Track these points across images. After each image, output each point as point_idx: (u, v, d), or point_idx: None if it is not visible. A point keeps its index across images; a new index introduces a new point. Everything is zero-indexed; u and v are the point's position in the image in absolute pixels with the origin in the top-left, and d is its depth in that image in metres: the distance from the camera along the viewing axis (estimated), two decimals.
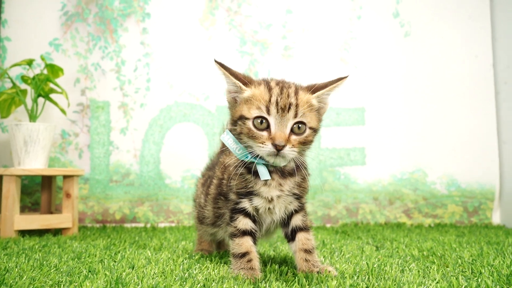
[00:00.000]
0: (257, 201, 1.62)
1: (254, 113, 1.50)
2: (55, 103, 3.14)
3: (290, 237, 1.72)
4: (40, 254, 2.01)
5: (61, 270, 1.62)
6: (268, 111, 1.50)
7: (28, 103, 3.19)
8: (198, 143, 3.57)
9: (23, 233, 2.90)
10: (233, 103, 1.62)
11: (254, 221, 1.64)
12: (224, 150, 1.98)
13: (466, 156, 3.62)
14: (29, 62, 3.07)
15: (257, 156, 1.54)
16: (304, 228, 1.69)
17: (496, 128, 3.63)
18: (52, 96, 3.25)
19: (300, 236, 1.69)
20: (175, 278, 1.46)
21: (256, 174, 1.59)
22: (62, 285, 1.35)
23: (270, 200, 1.62)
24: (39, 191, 3.42)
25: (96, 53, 3.58)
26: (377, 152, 3.63)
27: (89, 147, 3.54)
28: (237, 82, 1.62)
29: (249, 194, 1.62)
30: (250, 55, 3.66)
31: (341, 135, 3.64)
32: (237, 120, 1.55)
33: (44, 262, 1.79)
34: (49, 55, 3.51)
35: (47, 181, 3.24)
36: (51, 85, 3.21)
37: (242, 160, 1.59)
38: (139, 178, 3.55)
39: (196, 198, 2.07)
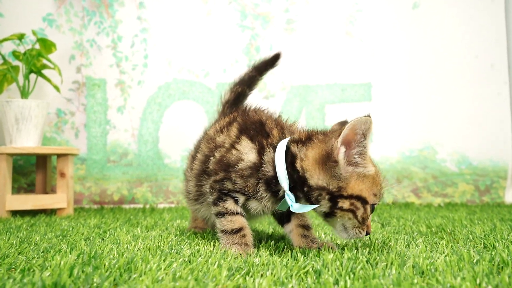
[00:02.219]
0: (255, 204, 1.50)
1: (373, 199, 1.37)
2: (48, 80, 3.02)
3: (285, 220, 1.60)
4: (24, 233, 1.90)
5: (40, 247, 1.50)
6: (379, 199, 1.40)
7: (20, 80, 3.08)
8: (197, 122, 3.43)
9: (17, 213, 2.80)
10: (337, 165, 1.36)
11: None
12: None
13: (478, 132, 3.45)
14: (20, 37, 2.95)
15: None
16: None
17: (510, 103, 3.46)
18: (46, 73, 3.13)
19: (295, 215, 1.58)
20: (157, 253, 1.34)
21: (275, 195, 1.44)
22: (34, 261, 1.23)
23: (266, 206, 1.49)
24: (34, 172, 3.32)
25: (91, 29, 3.45)
26: (384, 129, 3.47)
27: (86, 126, 3.42)
28: (369, 154, 1.40)
29: (250, 196, 1.47)
30: (251, 30, 3.51)
31: (346, 111, 3.48)
32: (345, 196, 1.35)
33: (25, 240, 1.68)
34: (43, 31, 3.39)
35: (41, 161, 3.14)
36: (44, 61, 3.09)
37: (263, 171, 1.43)
38: (137, 158, 3.43)
39: (185, 171, 1.93)
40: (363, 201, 1.35)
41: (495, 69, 3.47)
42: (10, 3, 3.38)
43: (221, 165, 1.49)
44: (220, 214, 1.50)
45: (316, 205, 1.37)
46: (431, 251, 1.37)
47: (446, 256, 1.26)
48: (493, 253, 1.26)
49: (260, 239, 1.71)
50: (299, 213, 1.58)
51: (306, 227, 1.58)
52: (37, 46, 3.02)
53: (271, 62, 2.03)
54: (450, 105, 3.47)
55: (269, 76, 3.46)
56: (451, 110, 3.47)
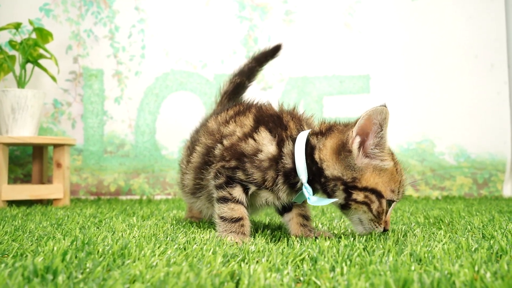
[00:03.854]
0: (266, 194, 1.48)
1: (390, 195, 1.36)
2: (45, 69, 2.99)
3: (286, 209, 1.59)
4: (20, 221, 1.89)
5: (34, 234, 1.49)
6: (398, 196, 1.38)
7: (17, 70, 3.05)
8: (195, 113, 3.40)
9: (12, 203, 2.78)
10: (351, 155, 1.34)
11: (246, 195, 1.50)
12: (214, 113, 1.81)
13: (477, 125, 3.44)
14: (17, 26, 2.92)
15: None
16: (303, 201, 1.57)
17: (509, 96, 3.44)
18: (43, 63, 3.11)
19: (296, 204, 1.57)
20: (152, 240, 1.32)
21: (292, 187, 1.44)
22: (27, 247, 1.22)
23: (279, 198, 1.48)
24: (31, 162, 3.30)
25: (88, 19, 3.42)
26: None
27: (83, 117, 3.40)
28: (388, 147, 1.38)
29: (264, 187, 1.45)
30: (249, 20, 3.49)
31: (345, 103, 3.47)
32: (359, 188, 1.33)
33: (20, 228, 1.67)
34: (40, 21, 3.36)
35: (38, 151, 3.12)
36: (41, 51, 3.06)
37: (283, 163, 1.41)
38: (134, 149, 3.41)
39: (180, 163, 1.90)
40: (379, 195, 1.33)
41: (495, 63, 3.45)
42: None
43: (233, 153, 1.46)
44: (223, 200, 1.47)
45: (334, 199, 1.35)
46: (429, 240, 1.35)
47: (444, 244, 1.25)
48: (491, 241, 1.25)
49: (257, 228, 1.70)
50: (301, 204, 1.57)
51: (306, 217, 1.58)
52: (34, 36, 3.00)
53: (272, 53, 2.01)
54: (449, 97, 3.46)
55: (267, 68, 3.42)
56: (449, 103, 3.46)
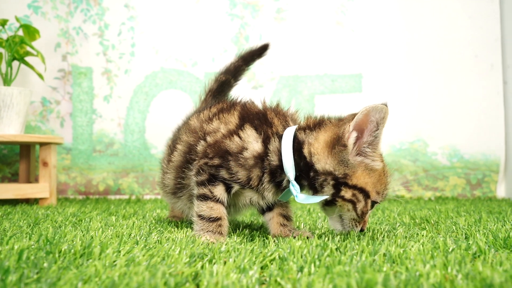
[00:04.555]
0: (250, 194, 1.45)
1: (375, 197, 1.34)
2: (31, 67, 2.96)
3: (267, 209, 1.55)
4: None
5: (7, 234, 1.45)
6: (381, 197, 1.37)
7: (3, 68, 3.01)
8: (185, 111, 3.36)
9: None
10: (345, 149, 1.32)
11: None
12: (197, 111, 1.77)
13: (470, 125, 3.39)
14: (3, 23, 2.88)
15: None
16: (286, 201, 1.56)
17: (503, 96, 3.40)
18: (30, 61, 3.07)
19: (279, 204, 1.54)
20: (122, 239, 1.28)
21: (278, 186, 1.41)
22: None
23: (264, 198, 1.45)
24: (19, 161, 3.26)
25: (77, 16, 3.39)
26: None
27: (71, 115, 3.36)
28: (380, 147, 1.37)
29: (249, 186, 1.42)
30: (240, 18, 3.45)
31: (336, 103, 3.43)
32: (349, 185, 1.31)
33: None
34: (28, 18, 3.32)
35: (25, 150, 3.08)
36: (28, 49, 3.02)
37: (268, 160, 1.38)
38: (123, 148, 3.37)
39: (162, 162, 1.85)
40: (366, 194, 1.32)
41: (489, 63, 3.41)
42: None
43: (217, 150, 1.42)
44: (203, 197, 1.43)
45: (323, 197, 1.32)
46: (409, 240, 1.31)
47: (421, 244, 1.21)
48: (470, 241, 1.21)
49: (236, 228, 1.66)
50: (283, 203, 1.54)
51: (287, 217, 1.55)
52: (21, 33, 2.96)
53: (259, 52, 1.98)
54: (442, 97, 3.42)
55: (258, 66, 3.40)
56: (443, 102, 3.41)
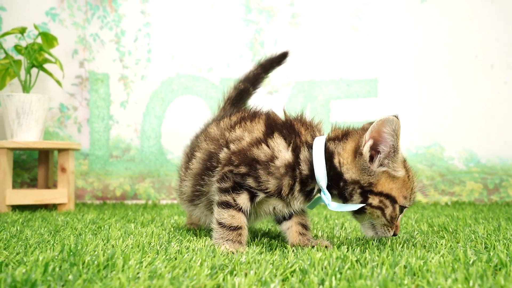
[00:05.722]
0: (276, 202, 1.46)
1: (403, 202, 1.39)
2: (50, 74, 3.00)
3: (286, 217, 1.56)
4: (18, 228, 1.88)
5: (29, 242, 1.47)
6: (409, 202, 1.41)
7: (22, 75, 3.06)
8: (201, 117, 3.37)
9: (17, 208, 2.79)
10: (365, 161, 1.36)
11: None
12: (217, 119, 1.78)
13: (487, 129, 3.36)
14: (22, 31, 2.93)
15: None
16: (303, 210, 1.56)
17: None
18: (48, 67, 3.11)
19: (297, 212, 1.55)
20: (143, 250, 1.30)
21: (307, 195, 1.43)
22: (13, 256, 1.20)
23: (290, 206, 1.47)
24: (37, 167, 3.30)
25: (94, 23, 3.43)
26: None
27: (89, 121, 3.40)
28: (401, 156, 1.41)
29: (274, 195, 1.43)
30: (255, 24, 3.46)
31: (352, 108, 3.43)
32: (375, 192, 1.36)
33: (16, 235, 1.66)
34: (46, 25, 3.37)
35: (44, 156, 3.12)
36: (46, 56, 3.07)
37: (299, 170, 1.40)
38: (140, 153, 3.41)
39: (179, 169, 1.86)
40: (393, 200, 1.36)
41: (507, 68, 3.38)
42: None
43: (243, 158, 1.42)
44: (225, 205, 1.43)
45: (355, 206, 1.37)
46: (427, 251, 1.31)
47: (441, 256, 1.20)
48: (491, 253, 1.21)
49: (254, 236, 1.67)
50: (300, 212, 1.55)
51: (305, 226, 1.55)
52: (39, 40, 3.01)
53: (278, 60, 1.99)
54: (458, 101, 3.39)
55: (274, 71, 3.39)
56: (459, 106, 3.39)
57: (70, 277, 0.96)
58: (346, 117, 3.40)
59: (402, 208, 1.39)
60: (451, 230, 1.80)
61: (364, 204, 1.36)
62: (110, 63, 3.43)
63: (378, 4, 3.44)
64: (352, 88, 3.44)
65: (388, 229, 1.40)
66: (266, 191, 1.41)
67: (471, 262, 1.13)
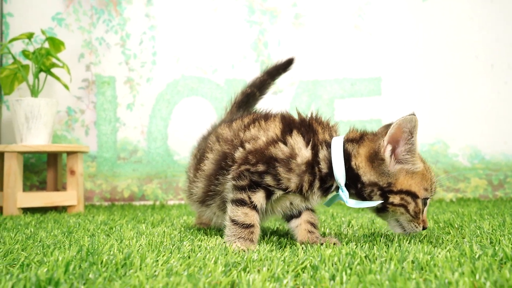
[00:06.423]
0: (293, 197, 1.49)
1: (424, 194, 1.42)
2: (57, 78, 3.04)
3: (296, 215, 1.59)
4: (32, 229, 1.92)
5: (44, 243, 1.51)
6: (431, 192, 1.45)
7: (30, 79, 3.11)
8: (206, 118, 3.42)
9: (28, 211, 2.83)
10: (384, 162, 1.41)
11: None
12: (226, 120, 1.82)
13: (491, 126, 3.39)
14: (29, 36, 2.97)
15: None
16: (312, 209, 1.61)
17: None
18: (55, 72, 3.16)
19: (306, 211, 1.59)
20: (157, 249, 1.34)
21: (325, 191, 1.48)
22: (33, 257, 1.24)
23: (308, 201, 1.51)
24: (46, 170, 3.35)
25: (100, 27, 3.47)
26: None
27: (96, 124, 3.45)
28: (418, 151, 1.44)
29: (294, 191, 1.46)
30: (259, 25, 3.50)
31: (356, 106, 3.46)
32: (395, 191, 1.40)
33: (31, 236, 1.70)
34: (52, 30, 3.42)
35: (52, 159, 3.17)
36: (53, 60, 3.11)
37: (319, 168, 1.44)
38: (147, 155, 3.45)
39: (187, 171, 1.90)
40: (413, 195, 1.40)
41: (508, 67, 3.41)
42: (20, 3, 3.41)
43: (261, 156, 1.45)
44: (239, 202, 1.46)
45: (373, 203, 1.41)
46: (434, 246, 1.35)
47: (447, 251, 1.24)
48: (496, 247, 1.24)
49: (264, 234, 1.70)
50: (309, 210, 1.58)
51: (313, 224, 1.59)
52: (46, 45, 3.05)
53: (284, 67, 2.03)
54: (461, 98, 3.42)
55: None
56: (462, 103, 3.42)
57: (91, 275, 1.00)
58: (350, 115, 3.44)
59: (425, 200, 1.42)
60: (456, 226, 1.83)
61: (382, 202, 1.40)
62: (116, 66, 3.47)
63: (380, 3, 3.47)
64: (356, 87, 3.47)
65: (415, 225, 1.43)
66: (285, 188, 1.44)
67: (477, 256, 1.16)
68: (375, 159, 1.41)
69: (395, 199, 1.39)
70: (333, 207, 2.77)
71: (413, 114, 1.38)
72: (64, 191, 2.93)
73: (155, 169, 3.44)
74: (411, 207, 1.40)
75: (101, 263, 1.13)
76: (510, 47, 3.41)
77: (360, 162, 1.42)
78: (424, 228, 1.44)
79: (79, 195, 2.93)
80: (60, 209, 3.00)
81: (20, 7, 3.41)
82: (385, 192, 1.40)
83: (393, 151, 1.40)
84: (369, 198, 1.42)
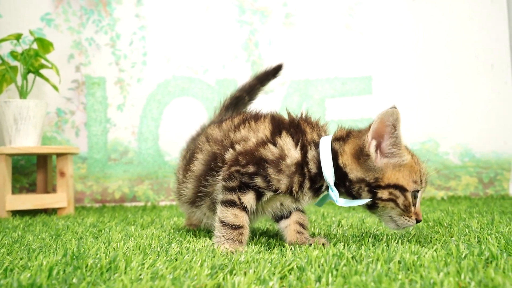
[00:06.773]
0: (283, 198, 1.49)
1: (413, 186, 1.40)
2: (46, 79, 3.02)
3: (285, 216, 1.59)
4: (19, 233, 1.90)
5: (31, 247, 1.50)
6: (421, 185, 1.42)
7: (19, 81, 3.08)
8: (197, 118, 3.41)
9: (17, 213, 2.81)
10: (369, 158, 1.39)
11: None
12: (216, 121, 1.81)
13: (481, 125, 3.41)
14: (17, 37, 2.95)
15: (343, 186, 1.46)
16: (302, 210, 1.61)
17: None
18: (44, 73, 3.14)
19: (296, 212, 1.59)
20: (144, 252, 1.33)
21: (316, 191, 1.48)
22: (18, 261, 1.23)
23: (299, 201, 1.51)
24: (36, 172, 3.33)
25: (89, 28, 3.45)
26: None
27: (86, 125, 3.43)
28: (403, 144, 1.43)
29: (284, 192, 1.46)
30: (249, 25, 3.49)
31: (347, 105, 3.46)
32: (382, 186, 1.39)
33: (18, 240, 1.68)
34: (41, 30, 3.39)
35: (42, 160, 3.15)
36: (42, 61, 3.09)
37: (308, 168, 1.44)
38: (138, 155, 3.43)
39: (176, 172, 1.89)
40: (402, 189, 1.38)
41: (499, 61, 3.42)
42: (8, 3, 3.38)
43: (250, 158, 1.45)
44: (229, 203, 1.45)
45: (362, 201, 1.40)
46: (422, 246, 1.34)
47: (434, 251, 1.24)
48: (483, 246, 1.24)
49: (253, 236, 1.70)
50: (299, 211, 1.58)
51: (303, 225, 1.58)
52: (35, 46, 3.03)
53: (273, 72, 2.06)
54: (452, 97, 3.43)
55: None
56: (453, 102, 3.43)
57: (75, 280, 0.99)
58: (341, 115, 3.44)
59: (415, 193, 1.41)
60: (445, 224, 1.83)
61: (371, 199, 1.40)
62: (106, 67, 3.45)
63: (371, 3, 3.48)
64: (346, 86, 3.47)
65: (407, 219, 1.41)
66: (275, 189, 1.44)
67: (463, 256, 1.16)
68: (360, 155, 1.40)
69: (383, 194, 1.38)
70: (324, 206, 2.77)
71: (394, 107, 1.37)
72: (54, 193, 2.91)
73: (146, 170, 3.43)
74: (400, 200, 1.38)
75: (86, 267, 1.12)
76: (510, 47, 3.42)
77: (346, 160, 1.42)
78: (418, 221, 1.42)
79: (69, 197, 2.91)
80: (50, 212, 2.98)
81: (9, 7, 3.38)
82: (373, 187, 1.39)
83: (378, 146, 1.39)
84: (358, 195, 1.42)
